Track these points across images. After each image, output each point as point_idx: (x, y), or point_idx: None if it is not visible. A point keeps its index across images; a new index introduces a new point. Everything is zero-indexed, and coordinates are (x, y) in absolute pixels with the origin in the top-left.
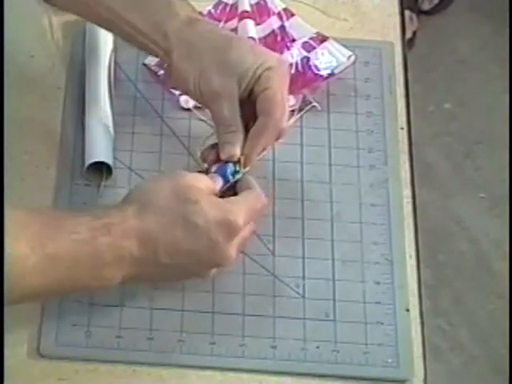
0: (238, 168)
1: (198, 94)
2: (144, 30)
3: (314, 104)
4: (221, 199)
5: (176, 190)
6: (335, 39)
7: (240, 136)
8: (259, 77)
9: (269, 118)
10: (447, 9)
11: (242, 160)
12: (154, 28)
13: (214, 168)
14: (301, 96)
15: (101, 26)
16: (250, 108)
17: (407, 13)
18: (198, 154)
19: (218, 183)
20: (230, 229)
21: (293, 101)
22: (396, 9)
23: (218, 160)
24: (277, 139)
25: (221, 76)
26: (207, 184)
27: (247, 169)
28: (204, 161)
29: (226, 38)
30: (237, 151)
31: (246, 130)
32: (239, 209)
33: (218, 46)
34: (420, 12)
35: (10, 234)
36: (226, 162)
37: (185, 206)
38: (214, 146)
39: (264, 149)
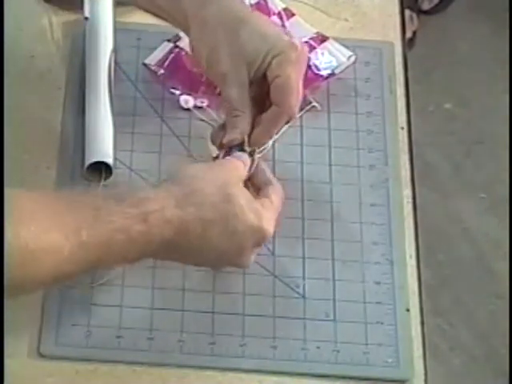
0: (247, 149)
1: (210, 74)
2: (165, 8)
3: (314, 104)
4: (257, 203)
5: (224, 186)
6: (335, 39)
7: (245, 121)
8: (269, 63)
9: (281, 107)
10: (447, 9)
11: (246, 139)
12: (173, 5)
13: (221, 154)
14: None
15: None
16: (264, 91)
17: (407, 13)
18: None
19: (247, 164)
20: (261, 237)
21: None
22: (396, 9)
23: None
24: (286, 123)
25: (231, 58)
26: (243, 175)
27: (261, 154)
28: (213, 143)
29: (239, 18)
30: (237, 136)
31: (260, 112)
32: (271, 217)
33: (230, 26)
34: (420, 12)
35: (42, 224)
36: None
37: (228, 207)
38: (222, 128)
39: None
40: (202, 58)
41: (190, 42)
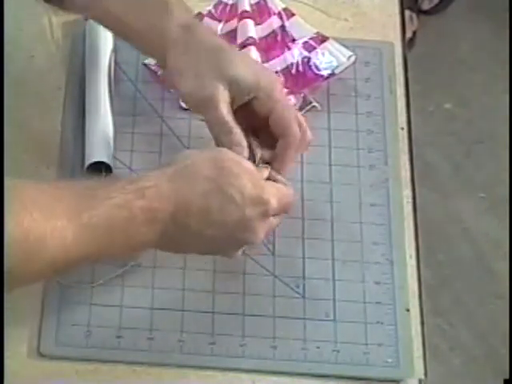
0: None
1: (193, 97)
2: (140, 31)
3: (315, 104)
4: (259, 175)
5: (218, 159)
6: (335, 39)
7: (242, 135)
8: (257, 95)
9: (287, 137)
10: (447, 9)
11: (259, 155)
12: (150, 29)
13: None
14: (301, 96)
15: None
16: (245, 119)
17: (407, 13)
18: None
19: (265, 173)
20: (263, 208)
21: (293, 100)
22: (396, 9)
23: None
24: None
25: (216, 81)
26: (251, 166)
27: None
28: None
29: (221, 46)
30: (246, 152)
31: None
32: (275, 192)
33: (213, 52)
34: (420, 12)
35: (44, 210)
36: None
37: (223, 176)
38: None
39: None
40: (184, 82)
41: (167, 66)
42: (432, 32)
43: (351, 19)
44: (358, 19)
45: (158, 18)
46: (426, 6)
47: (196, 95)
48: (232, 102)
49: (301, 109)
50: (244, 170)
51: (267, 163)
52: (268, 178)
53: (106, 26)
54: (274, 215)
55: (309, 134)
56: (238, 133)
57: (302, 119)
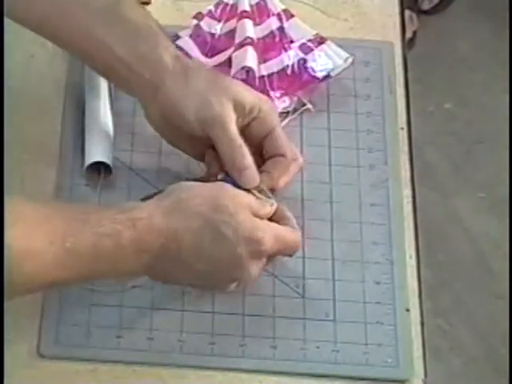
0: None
1: (201, 118)
2: (130, 63)
3: (309, 106)
4: (257, 218)
5: (215, 196)
6: (335, 39)
7: (251, 159)
8: (257, 117)
9: (288, 155)
10: (447, 9)
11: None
12: (142, 61)
13: (220, 175)
14: (295, 98)
15: (83, 58)
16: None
17: (407, 13)
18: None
19: (266, 208)
20: (255, 247)
21: (287, 102)
22: (396, 9)
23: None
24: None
25: (221, 102)
26: (251, 203)
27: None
28: (208, 167)
29: (218, 74)
30: (257, 175)
31: None
32: (271, 232)
33: (214, 77)
34: (420, 12)
35: (29, 228)
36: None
37: (218, 214)
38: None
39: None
40: (187, 109)
41: (162, 98)
42: (432, 32)
43: (351, 19)
44: (357, 19)
45: (152, 49)
46: (426, 6)
47: (204, 115)
48: (236, 123)
49: (295, 110)
50: (241, 208)
51: (271, 190)
52: (273, 215)
53: (95, 57)
54: (270, 256)
55: (300, 159)
56: (248, 155)
57: (290, 144)
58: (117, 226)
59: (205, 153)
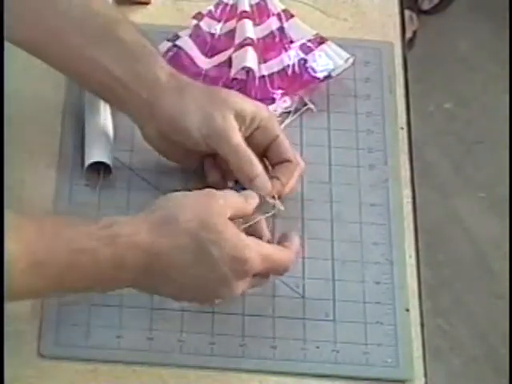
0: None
1: (204, 131)
2: (127, 82)
3: (310, 106)
4: (244, 235)
5: (204, 212)
6: (335, 39)
7: (261, 167)
8: (259, 126)
9: (294, 160)
10: (447, 9)
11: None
12: (137, 79)
13: (230, 183)
14: (297, 97)
15: (79, 79)
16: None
17: (407, 13)
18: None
19: (254, 202)
20: (241, 266)
21: (288, 102)
22: (396, 9)
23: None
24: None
25: (225, 112)
26: (239, 206)
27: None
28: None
29: (215, 87)
30: (269, 184)
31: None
32: (258, 251)
33: (211, 91)
34: (420, 12)
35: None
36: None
37: (205, 232)
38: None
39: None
40: (190, 124)
41: (161, 115)
42: (432, 32)
43: (351, 19)
44: (357, 19)
45: (147, 68)
46: (426, 6)
47: (207, 128)
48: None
49: (296, 110)
50: (229, 226)
51: (279, 196)
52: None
53: (91, 77)
54: (261, 275)
55: (302, 163)
56: (257, 163)
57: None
58: (94, 243)
59: (203, 162)
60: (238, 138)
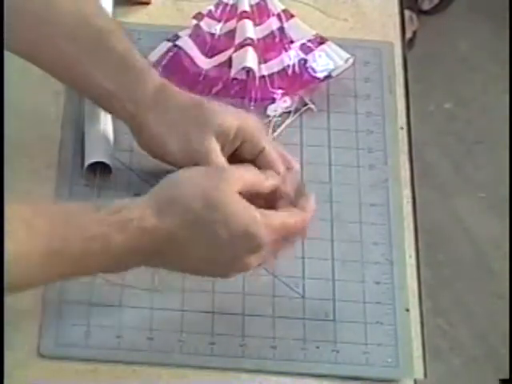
0: None
1: (183, 154)
2: (118, 95)
3: (311, 106)
4: (251, 206)
5: (208, 192)
6: (335, 39)
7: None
8: (245, 140)
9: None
10: (447, 9)
11: None
12: (126, 94)
13: None
14: (297, 97)
15: (72, 86)
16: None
17: (407, 13)
18: None
19: (273, 180)
20: (252, 242)
21: (289, 102)
22: (396, 9)
23: None
24: None
25: (204, 134)
26: (253, 180)
27: None
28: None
29: (202, 102)
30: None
31: None
32: (268, 222)
33: (196, 107)
34: (420, 12)
35: (14, 232)
36: None
37: (210, 212)
38: None
39: None
40: (170, 141)
41: (146, 131)
42: (432, 32)
43: (351, 19)
44: (357, 19)
45: (137, 83)
46: (426, 6)
47: (187, 152)
48: (222, 151)
49: (296, 110)
50: (235, 200)
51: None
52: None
53: (83, 86)
54: (275, 243)
55: (296, 166)
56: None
57: (283, 151)
58: (105, 228)
59: None
60: (217, 159)
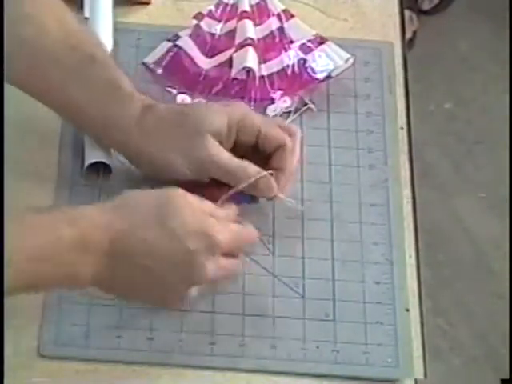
0: None
1: (190, 169)
2: (101, 123)
3: (310, 106)
4: (207, 207)
5: (163, 194)
6: (335, 39)
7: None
8: (239, 129)
9: (285, 145)
10: (447, 9)
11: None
12: (111, 121)
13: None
14: (297, 97)
15: (59, 113)
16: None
17: (407, 13)
18: None
19: (222, 211)
20: (208, 242)
21: (288, 102)
22: (396, 9)
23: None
24: None
25: (203, 143)
26: (200, 203)
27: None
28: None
29: (187, 110)
30: (273, 183)
31: None
32: (223, 226)
33: (181, 118)
34: (420, 12)
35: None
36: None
37: (165, 208)
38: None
39: None
40: (176, 163)
41: (142, 152)
42: (432, 32)
43: (351, 19)
44: (357, 19)
45: (121, 109)
46: (426, 6)
47: (191, 163)
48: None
49: (296, 110)
50: (189, 204)
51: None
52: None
53: (68, 114)
54: (226, 254)
55: (298, 131)
56: (253, 168)
57: (280, 120)
58: (56, 223)
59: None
60: (224, 157)
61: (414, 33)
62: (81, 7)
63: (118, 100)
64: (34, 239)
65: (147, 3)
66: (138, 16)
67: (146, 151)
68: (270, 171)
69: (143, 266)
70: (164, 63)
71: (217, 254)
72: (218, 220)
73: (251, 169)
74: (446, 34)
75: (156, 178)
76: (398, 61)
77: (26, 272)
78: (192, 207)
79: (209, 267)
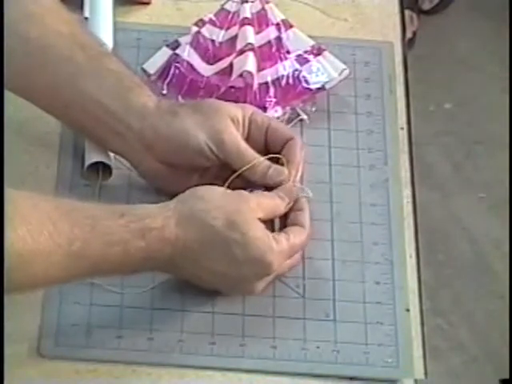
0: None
1: (211, 149)
2: (121, 115)
3: (303, 117)
4: (268, 233)
5: (232, 211)
6: (334, 40)
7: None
8: (249, 122)
9: (293, 137)
10: (447, 9)
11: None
12: (129, 111)
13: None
14: (288, 108)
15: (71, 117)
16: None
17: (407, 13)
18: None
19: (284, 203)
20: (263, 270)
21: (280, 112)
22: (396, 9)
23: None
24: None
25: (224, 124)
26: (271, 207)
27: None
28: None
29: (197, 102)
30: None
31: None
32: (280, 251)
33: (198, 104)
34: (420, 12)
35: (32, 230)
36: None
37: (230, 232)
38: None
39: None
40: (195, 141)
41: (163, 135)
42: (432, 32)
43: (351, 19)
44: (357, 19)
45: (138, 99)
46: (426, 6)
47: (215, 141)
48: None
49: (289, 121)
50: (255, 226)
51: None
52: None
53: (84, 112)
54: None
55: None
56: (263, 159)
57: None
58: (125, 234)
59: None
60: (243, 143)
61: (414, 33)
62: (81, 7)
63: (133, 87)
64: (101, 245)
65: (147, 3)
66: (138, 16)
67: (164, 133)
68: (279, 155)
69: (198, 274)
70: (167, 81)
71: (268, 277)
72: (278, 242)
73: (264, 161)
74: (446, 33)
75: (157, 179)
76: (398, 61)
77: (78, 269)
78: (257, 230)
79: (259, 288)
